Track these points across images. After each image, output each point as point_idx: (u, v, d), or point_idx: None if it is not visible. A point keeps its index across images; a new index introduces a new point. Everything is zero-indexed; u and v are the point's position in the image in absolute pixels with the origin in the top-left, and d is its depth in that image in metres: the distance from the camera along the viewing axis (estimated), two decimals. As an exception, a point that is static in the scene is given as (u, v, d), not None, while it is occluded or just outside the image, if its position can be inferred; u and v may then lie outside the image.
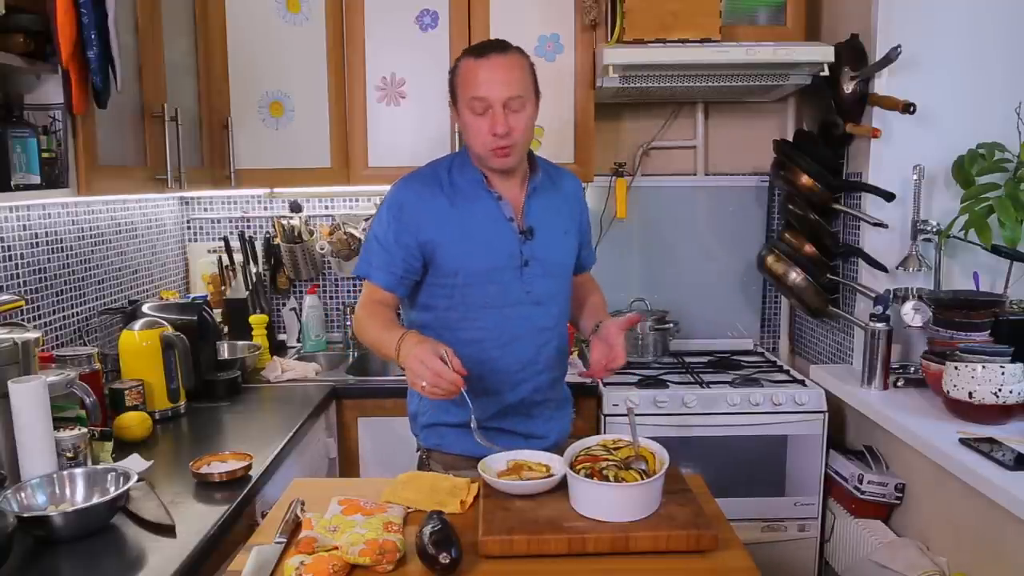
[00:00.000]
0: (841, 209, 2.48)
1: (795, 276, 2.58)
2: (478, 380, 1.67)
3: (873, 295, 2.30)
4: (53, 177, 1.67)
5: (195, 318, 2.23)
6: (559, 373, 1.86)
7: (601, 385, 2.42)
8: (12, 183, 1.57)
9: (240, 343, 2.65)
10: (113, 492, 1.42)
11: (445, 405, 1.69)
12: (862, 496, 2.21)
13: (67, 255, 2.18)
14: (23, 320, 1.90)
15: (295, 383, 2.44)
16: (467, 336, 1.69)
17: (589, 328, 1.80)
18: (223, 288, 2.88)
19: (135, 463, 1.69)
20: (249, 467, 1.66)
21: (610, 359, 1.66)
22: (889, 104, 2.22)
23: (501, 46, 1.65)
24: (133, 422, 1.86)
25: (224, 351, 2.59)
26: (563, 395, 1.89)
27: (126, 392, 1.93)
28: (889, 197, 2.27)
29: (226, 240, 2.85)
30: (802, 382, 2.52)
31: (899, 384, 2.22)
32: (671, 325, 2.83)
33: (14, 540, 1.25)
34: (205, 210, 3.00)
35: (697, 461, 2.30)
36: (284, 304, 2.97)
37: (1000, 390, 1.85)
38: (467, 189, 1.70)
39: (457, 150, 2.52)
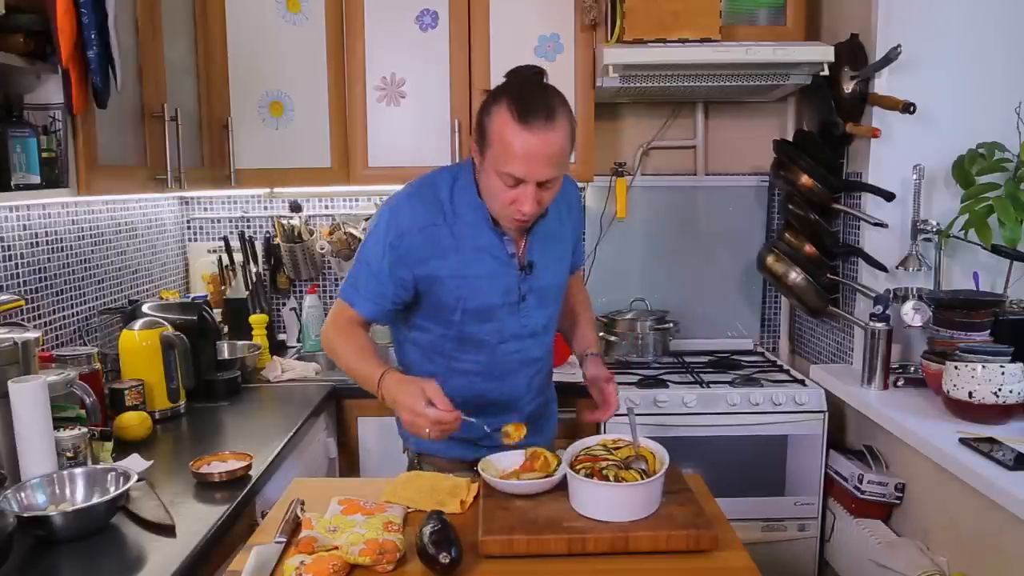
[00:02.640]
0: (841, 209, 2.48)
1: (795, 276, 2.57)
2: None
3: (873, 295, 2.30)
4: (53, 177, 1.67)
5: (195, 318, 2.23)
6: (549, 393, 1.86)
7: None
8: (12, 183, 1.57)
9: (240, 343, 2.65)
10: (113, 492, 1.42)
11: None
12: (862, 496, 2.21)
13: (67, 255, 2.18)
14: (23, 320, 1.90)
15: (295, 383, 2.44)
16: (460, 366, 1.66)
17: (578, 352, 1.82)
18: (223, 288, 2.87)
19: (135, 463, 1.69)
20: (249, 467, 1.66)
21: (603, 408, 1.70)
22: (889, 104, 2.22)
23: (548, 110, 1.43)
24: (133, 422, 1.86)
25: (224, 351, 2.59)
26: (550, 397, 1.88)
27: (126, 392, 1.93)
28: (889, 197, 2.27)
29: (226, 240, 2.85)
30: (802, 382, 2.52)
31: (899, 384, 2.22)
32: (671, 325, 2.83)
33: (14, 540, 1.25)
34: (205, 210, 3.00)
35: (697, 461, 2.29)
36: (284, 304, 2.97)
37: (1000, 390, 1.85)
38: (469, 217, 1.58)
39: (459, 160, 2.53)
